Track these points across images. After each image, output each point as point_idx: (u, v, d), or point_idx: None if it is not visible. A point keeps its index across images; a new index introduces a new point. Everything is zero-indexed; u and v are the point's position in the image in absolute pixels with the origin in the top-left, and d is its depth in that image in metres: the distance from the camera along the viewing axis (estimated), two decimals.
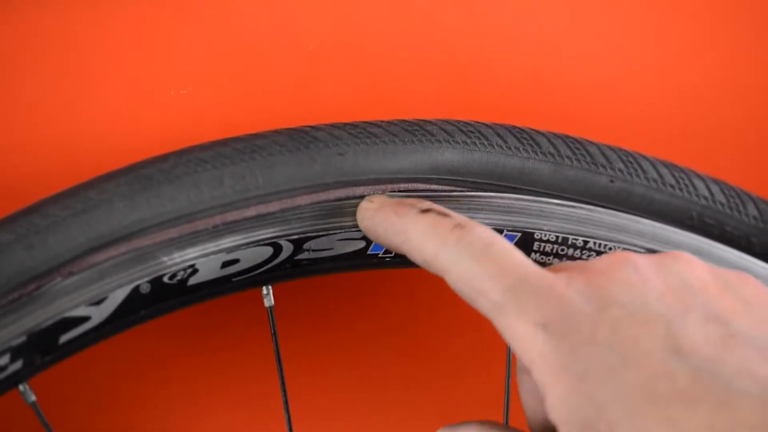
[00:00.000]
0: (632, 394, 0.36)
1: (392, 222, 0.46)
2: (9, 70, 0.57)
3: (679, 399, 0.36)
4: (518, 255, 0.42)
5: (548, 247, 0.54)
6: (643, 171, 0.54)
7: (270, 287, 0.52)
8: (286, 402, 0.53)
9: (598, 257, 0.42)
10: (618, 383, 0.37)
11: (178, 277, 0.50)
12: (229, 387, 0.65)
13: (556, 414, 0.38)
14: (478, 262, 0.41)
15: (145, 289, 0.49)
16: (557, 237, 0.54)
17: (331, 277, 0.55)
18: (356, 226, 0.51)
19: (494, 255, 0.41)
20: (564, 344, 0.38)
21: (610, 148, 0.54)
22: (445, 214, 0.44)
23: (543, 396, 0.38)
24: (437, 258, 0.43)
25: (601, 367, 0.37)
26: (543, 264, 0.54)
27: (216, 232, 0.49)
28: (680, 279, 0.41)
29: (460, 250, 0.42)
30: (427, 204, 0.46)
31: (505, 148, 0.53)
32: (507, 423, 0.55)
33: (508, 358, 0.55)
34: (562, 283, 0.40)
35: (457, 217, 0.44)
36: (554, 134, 0.54)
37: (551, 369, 0.38)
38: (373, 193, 0.50)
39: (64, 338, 0.48)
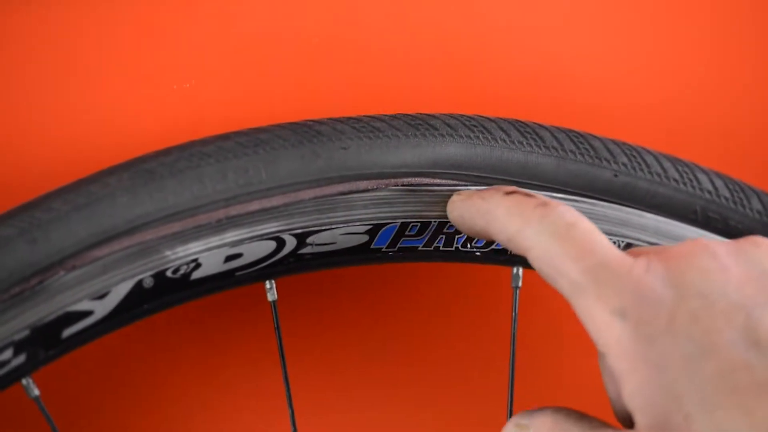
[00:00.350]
0: (710, 385, 0.36)
1: (478, 206, 0.47)
2: (11, 66, 0.57)
3: (758, 391, 0.36)
4: (600, 237, 0.41)
5: None
6: (647, 165, 0.54)
7: (273, 282, 0.52)
8: (289, 396, 0.53)
9: (678, 243, 0.42)
10: (695, 374, 0.36)
11: (182, 272, 0.50)
12: (231, 381, 0.65)
13: (632, 403, 0.38)
14: (559, 242, 0.41)
15: (149, 283, 0.49)
16: None
17: (335, 272, 0.55)
18: (359, 219, 0.51)
19: (576, 235, 0.41)
20: (641, 332, 0.38)
21: (614, 142, 0.54)
22: (529, 195, 0.44)
23: (619, 383, 0.38)
24: (520, 235, 0.43)
25: (679, 357, 0.37)
26: None
27: (219, 227, 0.49)
28: (760, 268, 0.40)
29: (543, 228, 0.42)
30: (512, 187, 0.46)
31: (508, 142, 0.53)
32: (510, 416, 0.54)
33: (512, 355, 0.54)
34: (641, 268, 0.40)
35: (541, 197, 0.44)
36: (558, 128, 0.54)
37: (628, 357, 0.38)
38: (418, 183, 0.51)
39: (67, 332, 0.48)
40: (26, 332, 0.47)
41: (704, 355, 0.37)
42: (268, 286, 0.52)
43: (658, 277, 0.39)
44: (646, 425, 0.37)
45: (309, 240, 0.51)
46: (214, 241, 0.50)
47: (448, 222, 0.52)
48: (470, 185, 0.52)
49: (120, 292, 0.49)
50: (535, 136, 0.53)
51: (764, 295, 0.39)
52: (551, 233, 0.42)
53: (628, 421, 0.40)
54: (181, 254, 0.49)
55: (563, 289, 0.41)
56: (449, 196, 0.51)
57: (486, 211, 0.46)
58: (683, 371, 0.37)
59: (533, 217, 0.43)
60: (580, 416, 0.42)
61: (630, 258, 0.40)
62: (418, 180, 0.52)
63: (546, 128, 0.54)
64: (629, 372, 0.38)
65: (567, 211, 0.43)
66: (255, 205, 0.50)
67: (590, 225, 0.42)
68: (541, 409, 0.44)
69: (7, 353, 0.47)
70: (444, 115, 0.53)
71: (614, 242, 0.54)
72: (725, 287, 0.39)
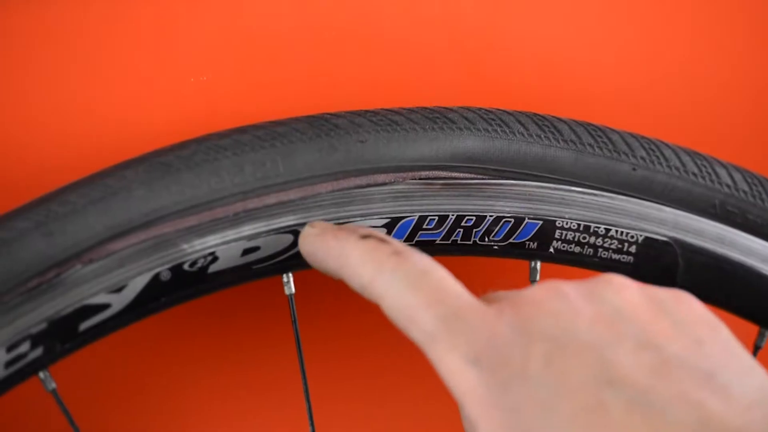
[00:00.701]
0: (566, 427, 0.36)
1: (331, 246, 0.45)
2: (28, 59, 0.57)
3: (615, 429, 0.35)
4: (453, 284, 0.41)
5: (570, 235, 0.54)
6: (665, 159, 0.54)
7: (290, 275, 0.52)
8: (306, 389, 0.53)
9: (530, 287, 0.41)
10: (551, 417, 0.36)
11: (199, 265, 0.49)
12: (248, 373, 0.65)
13: None
14: (412, 290, 0.40)
15: (166, 276, 0.49)
16: (579, 225, 0.53)
17: None
18: (377, 213, 0.51)
19: (429, 283, 0.41)
20: (495, 379, 0.37)
21: (632, 135, 0.54)
22: (384, 241, 0.43)
23: (476, 431, 0.38)
24: (373, 284, 0.42)
25: (534, 401, 0.36)
26: (565, 253, 0.54)
27: (236, 220, 0.49)
28: (611, 306, 0.40)
29: (396, 276, 0.41)
30: (368, 230, 0.45)
31: (526, 135, 0.52)
32: None
33: None
34: (492, 315, 0.39)
35: (397, 244, 0.43)
36: (576, 122, 0.54)
37: (482, 404, 0.37)
38: (315, 220, 0.50)
39: (84, 325, 0.48)
40: (43, 325, 0.47)
41: (558, 397, 0.36)
42: (285, 279, 0.52)
43: (509, 323, 0.39)
44: None
45: None
46: (231, 234, 0.50)
47: (466, 215, 0.52)
48: (488, 179, 0.52)
49: (137, 285, 0.49)
50: (553, 130, 0.53)
51: (616, 334, 0.39)
52: (404, 282, 0.41)
53: None
54: (198, 247, 0.49)
55: (417, 339, 0.40)
56: (468, 190, 0.51)
57: (339, 255, 0.45)
58: (539, 415, 0.36)
59: (387, 265, 0.42)
60: None
61: (482, 306, 0.40)
62: (435, 173, 0.51)
63: (564, 121, 0.53)
64: (485, 419, 0.37)
65: (421, 259, 0.42)
66: (272, 199, 0.50)
67: (443, 271, 0.41)
68: None
69: (24, 346, 0.47)
70: (462, 108, 0.53)
71: (632, 236, 0.54)
72: (576, 328, 0.39)
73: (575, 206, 0.53)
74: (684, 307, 0.41)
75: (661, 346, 0.38)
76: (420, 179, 0.51)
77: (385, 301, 0.41)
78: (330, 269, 0.45)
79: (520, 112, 0.53)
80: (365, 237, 0.44)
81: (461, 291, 0.41)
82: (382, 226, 0.51)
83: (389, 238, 0.44)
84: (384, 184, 0.51)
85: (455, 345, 0.39)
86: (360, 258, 0.43)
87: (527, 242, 0.54)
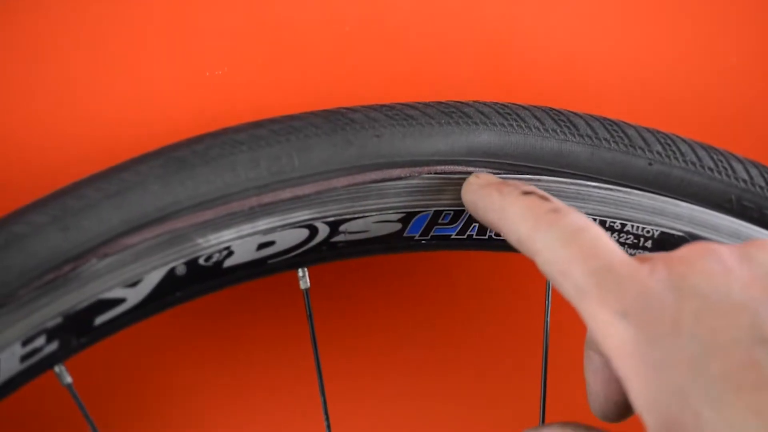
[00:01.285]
0: (718, 383, 0.36)
1: (493, 199, 0.46)
2: (45, 52, 0.57)
3: (767, 388, 0.35)
4: (608, 242, 0.41)
5: None
6: (682, 154, 0.54)
7: (306, 269, 0.52)
8: (321, 385, 0.53)
9: (681, 247, 0.41)
10: (702, 373, 0.36)
11: (214, 259, 0.49)
12: (263, 368, 0.65)
13: (639, 403, 0.37)
14: (566, 245, 0.41)
15: (181, 271, 0.49)
16: (595, 220, 0.53)
17: (367, 260, 0.55)
18: (392, 207, 0.51)
19: (583, 240, 0.41)
20: (645, 334, 0.38)
21: (648, 130, 0.54)
22: (545, 198, 0.44)
23: (625, 385, 0.38)
24: (529, 239, 0.43)
25: (684, 358, 0.37)
26: None
27: (252, 214, 0.49)
28: (765, 269, 0.40)
29: (552, 232, 0.42)
30: (530, 187, 0.46)
31: (542, 130, 0.52)
32: (543, 410, 0.54)
33: (545, 344, 0.54)
34: (644, 272, 0.39)
35: (557, 202, 0.44)
36: (592, 116, 0.54)
37: (632, 359, 0.38)
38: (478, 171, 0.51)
39: (100, 320, 0.48)
40: (59, 319, 0.47)
41: (709, 354, 0.36)
42: (300, 274, 0.52)
43: (662, 280, 0.39)
44: (656, 425, 0.37)
45: (342, 228, 0.51)
46: (247, 228, 0.49)
47: None
48: (504, 173, 0.52)
49: (152, 279, 0.49)
50: (569, 124, 0.53)
51: None
52: (560, 238, 0.42)
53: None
54: (213, 242, 0.49)
55: (568, 293, 0.41)
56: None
57: (500, 208, 0.46)
58: (689, 371, 0.36)
59: (544, 221, 0.43)
60: (588, 430, 0.43)
61: (635, 262, 0.40)
62: (451, 168, 0.51)
63: (580, 116, 0.53)
64: (634, 374, 0.37)
65: (578, 217, 0.43)
66: (287, 193, 0.50)
67: (599, 230, 0.42)
68: (549, 425, 0.44)
69: (40, 340, 0.47)
70: (477, 102, 0.53)
71: (648, 231, 0.54)
72: (729, 288, 0.39)
73: (591, 201, 0.53)
74: None
75: None
76: (436, 174, 0.51)
77: (539, 256, 0.42)
78: (489, 220, 0.47)
79: (535, 107, 0.53)
80: (527, 193, 0.45)
81: (615, 248, 0.41)
82: (398, 221, 0.51)
83: (550, 197, 0.44)
84: (399, 178, 0.51)
85: (606, 299, 0.39)
86: (519, 213, 0.44)
87: None
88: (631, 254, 0.54)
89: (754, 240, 0.42)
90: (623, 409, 0.45)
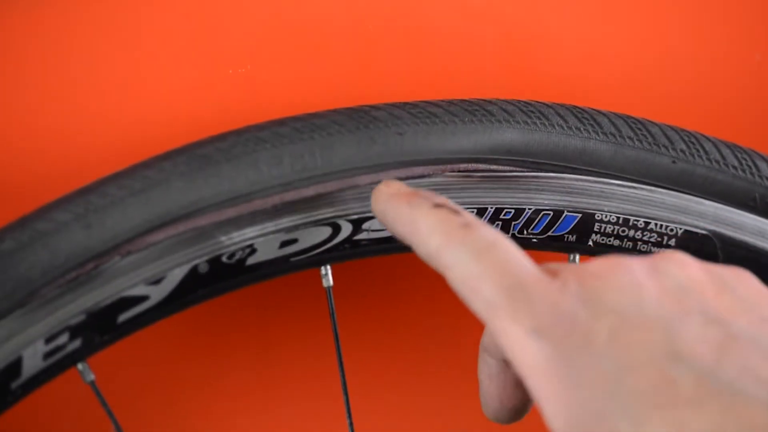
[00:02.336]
0: (635, 401, 0.35)
1: (403, 211, 0.45)
2: (70, 48, 0.57)
3: (685, 404, 0.35)
4: (519, 256, 0.40)
5: (609, 228, 0.53)
6: (706, 152, 0.54)
7: (328, 267, 0.52)
8: (344, 382, 0.53)
9: (592, 260, 0.41)
10: (619, 391, 0.35)
11: (237, 257, 0.50)
12: (286, 366, 0.65)
13: (555, 423, 0.36)
14: (477, 261, 0.40)
15: (204, 268, 0.49)
16: (618, 218, 0.53)
17: (390, 258, 0.54)
18: None
19: (495, 255, 0.40)
20: (559, 352, 0.37)
21: (672, 128, 0.54)
22: (455, 212, 0.43)
23: (540, 405, 0.37)
24: (440, 254, 0.41)
25: (600, 375, 0.36)
26: (604, 246, 0.54)
27: (275, 212, 0.49)
28: (676, 281, 0.39)
29: (463, 248, 0.41)
30: (441, 199, 0.44)
31: (566, 128, 0.52)
32: None
33: None
34: (556, 287, 0.39)
35: (467, 216, 0.43)
36: (616, 114, 0.53)
37: (547, 378, 0.37)
38: (388, 179, 0.49)
39: (123, 317, 0.49)
40: (82, 317, 0.48)
41: (625, 371, 0.36)
42: (323, 271, 0.52)
43: (574, 296, 0.38)
44: None
45: (365, 226, 0.51)
46: (270, 226, 0.50)
47: (505, 208, 0.52)
48: (527, 171, 0.52)
49: (175, 277, 0.49)
50: (592, 122, 0.53)
51: (682, 309, 0.38)
52: (470, 253, 0.40)
53: None
54: (236, 239, 0.49)
55: (479, 310, 0.39)
56: (507, 182, 0.51)
57: (411, 221, 0.44)
58: (605, 388, 0.36)
59: (455, 236, 0.41)
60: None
61: (546, 277, 0.39)
62: (474, 166, 0.51)
63: (604, 114, 0.53)
64: (549, 393, 0.37)
65: (489, 231, 0.41)
66: (311, 191, 0.50)
67: (510, 245, 0.41)
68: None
69: (63, 338, 0.48)
70: (501, 100, 0.53)
71: (671, 229, 0.54)
72: (641, 303, 0.38)
73: (614, 199, 0.53)
74: (746, 284, 0.41)
75: (727, 322, 0.38)
76: (459, 172, 0.51)
77: (450, 272, 0.41)
78: (399, 233, 0.45)
79: (559, 105, 0.53)
80: (438, 206, 0.43)
81: (526, 263, 0.40)
82: None
83: (461, 210, 0.43)
84: (422, 176, 0.51)
85: (518, 316, 0.38)
86: (430, 227, 0.43)
87: (566, 235, 0.53)
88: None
89: (663, 252, 0.41)
90: (516, 414, 0.45)
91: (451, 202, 0.44)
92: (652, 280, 0.39)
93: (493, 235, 0.41)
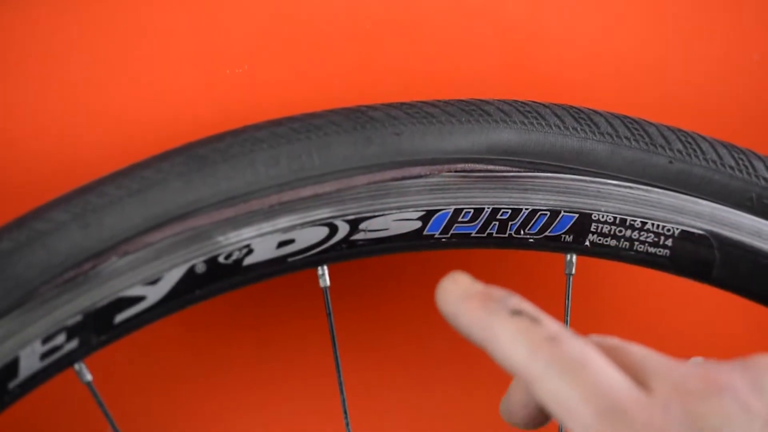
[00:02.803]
0: None
1: (479, 318, 0.42)
2: (66, 49, 0.57)
3: None
4: (612, 374, 0.39)
5: (606, 229, 0.53)
6: (702, 152, 0.54)
7: (325, 267, 0.52)
8: (340, 381, 0.53)
9: (686, 367, 0.39)
10: None
11: (234, 257, 0.49)
12: (282, 366, 0.65)
13: None
14: (569, 382, 0.38)
15: (201, 269, 0.49)
16: (615, 218, 0.53)
17: (387, 258, 0.54)
18: (412, 205, 0.51)
19: (587, 375, 0.38)
20: None
21: (669, 128, 0.54)
22: (536, 321, 0.41)
23: None
24: (526, 369, 0.39)
25: None
26: (601, 246, 0.54)
27: (272, 212, 0.49)
28: None
29: (552, 365, 0.39)
30: (516, 303, 0.42)
31: (562, 128, 0.52)
32: None
33: None
34: (657, 410, 0.37)
35: (550, 324, 0.41)
36: (612, 114, 0.53)
37: None
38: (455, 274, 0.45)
39: (120, 317, 0.49)
40: (79, 317, 0.48)
41: None
42: (320, 272, 0.52)
43: (677, 422, 0.37)
44: None
45: (361, 226, 0.51)
46: (267, 226, 0.50)
47: (502, 208, 0.52)
48: (524, 171, 0.52)
49: (172, 277, 0.49)
50: (589, 122, 0.53)
51: None
52: (561, 372, 0.39)
53: None
54: (233, 240, 0.49)
55: (574, 430, 0.38)
56: (504, 182, 0.51)
57: (487, 327, 0.41)
58: None
59: (541, 352, 0.39)
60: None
61: (645, 398, 0.38)
62: (471, 166, 0.51)
63: (601, 114, 0.53)
64: None
65: (577, 346, 0.40)
66: (308, 191, 0.50)
67: (601, 361, 0.39)
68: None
69: (60, 338, 0.48)
70: (498, 100, 0.53)
71: (668, 229, 0.54)
72: (750, 428, 0.37)
73: (611, 199, 0.53)
74: None
75: None
76: (456, 172, 0.51)
77: (539, 386, 0.39)
78: (473, 339, 0.42)
79: (556, 105, 0.53)
80: (516, 313, 0.41)
81: (621, 380, 0.38)
82: (418, 219, 0.51)
83: (542, 317, 0.41)
84: (420, 176, 0.51)
85: None
86: (511, 339, 0.40)
87: (563, 235, 0.53)
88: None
89: (758, 361, 0.40)
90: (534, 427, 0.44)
91: (528, 306, 0.42)
92: (757, 400, 0.38)
93: (581, 350, 0.39)
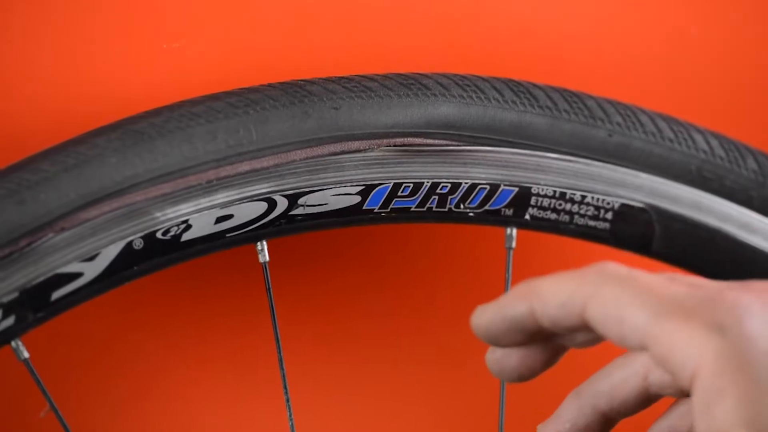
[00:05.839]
0: None
1: (514, 293, 0.41)
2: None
3: None
4: (661, 281, 0.39)
5: (546, 202, 0.53)
6: (642, 125, 0.54)
7: (265, 243, 0.52)
8: (281, 359, 0.53)
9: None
10: None
11: (172, 233, 0.49)
12: (223, 341, 0.65)
13: (732, 417, 0.35)
14: (626, 284, 0.38)
15: (138, 245, 0.49)
16: (555, 192, 0.53)
17: (327, 233, 0.54)
18: (351, 180, 0.51)
19: (641, 278, 0.38)
20: (742, 348, 0.35)
21: (608, 101, 0.54)
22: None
23: (714, 401, 0.35)
24: (577, 293, 0.39)
25: None
26: (541, 220, 0.54)
27: (209, 188, 0.49)
28: None
29: (603, 278, 0.39)
30: None
31: (501, 101, 0.52)
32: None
33: None
34: (735, 289, 0.38)
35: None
36: (552, 87, 0.53)
37: (727, 372, 0.35)
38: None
39: (57, 294, 0.48)
40: (15, 294, 0.47)
41: None
42: (259, 247, 0.52)
43: (756, 298, 0.37)
44: None
45: (300, 201, 0.51)
46: (205, 202, 0.49)
47: (441, 182, 0.52)
48: (463, 145, 0.52)
49: (109, 254, 0.49)
50: (528, 96, 0.53)
51: None
52: (615, 280, 0.39)
53: None
54: (171, 215, 0.49)
55: (638, 322, 0.37)
56: (443, 156, 0.51)
57: (527, 291, 0.40)
58: None
59: (589, 273, 0.39)
60: None
61: (721, 283, 0.39)
62: (410, 140, 0.51)
63: (540, 87, 0.53)
64: (730, 387, 0.35)
65: (620, 266, 0.39)
66: (245, 166, 0.49)
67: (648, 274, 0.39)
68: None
69: None
70: (437, 74, 0.53)
71: (608, 203, 0.54)
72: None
73: (551, 172, 0.53)
74: None
75: None
76: (394, 146, 0.51)
77: (593, 301, 0.39)
78: (518, 313, 0.41)
79: (495, 78, 0.53)
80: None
81: (670, 285, 0.39)
82: (357, 194, 0.51)
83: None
84: (358, 151, 0.51)
85: (695, 314, 0.37)
86: (555, 279, 0.40)
87: (503, 209, 0.53)
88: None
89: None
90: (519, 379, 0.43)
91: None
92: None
93: (625, 268, 0.40)
